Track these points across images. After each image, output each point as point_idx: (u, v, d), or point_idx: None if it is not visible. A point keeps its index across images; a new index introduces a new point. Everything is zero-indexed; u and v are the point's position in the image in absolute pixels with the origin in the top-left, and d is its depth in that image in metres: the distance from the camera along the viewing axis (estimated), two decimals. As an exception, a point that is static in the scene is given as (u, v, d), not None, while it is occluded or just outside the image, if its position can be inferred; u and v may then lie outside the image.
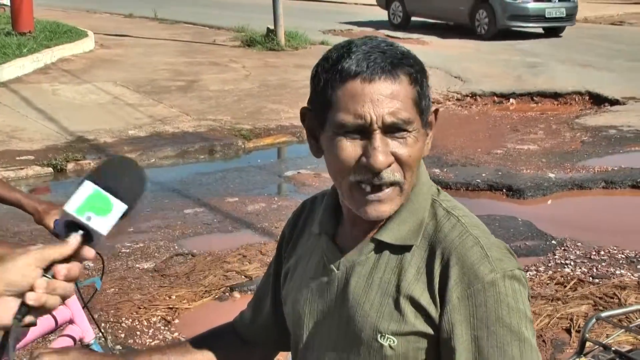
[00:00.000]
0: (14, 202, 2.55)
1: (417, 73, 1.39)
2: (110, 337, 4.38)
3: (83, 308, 2.55)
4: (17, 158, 8.09)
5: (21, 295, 1.14)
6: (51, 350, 1.53)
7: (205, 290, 5.01)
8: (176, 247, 5.80)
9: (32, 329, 2.31)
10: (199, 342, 1.69)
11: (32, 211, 2.49)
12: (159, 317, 4.68)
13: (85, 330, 2.51)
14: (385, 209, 1.41)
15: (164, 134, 9.06)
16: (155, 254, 5.68)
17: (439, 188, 1.51)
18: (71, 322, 2.51)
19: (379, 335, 1.39)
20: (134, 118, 9.74)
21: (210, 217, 6.51)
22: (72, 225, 1.20)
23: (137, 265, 5.46)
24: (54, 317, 2.42)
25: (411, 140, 1.38)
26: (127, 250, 5.73)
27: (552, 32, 17.13)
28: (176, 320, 4.65)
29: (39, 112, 9.75)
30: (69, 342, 2.50)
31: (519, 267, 1.40)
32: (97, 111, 10.07)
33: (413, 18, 18.77)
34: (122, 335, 4.47)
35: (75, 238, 1.19)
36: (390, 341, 1.39)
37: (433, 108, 1.46)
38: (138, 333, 4.50)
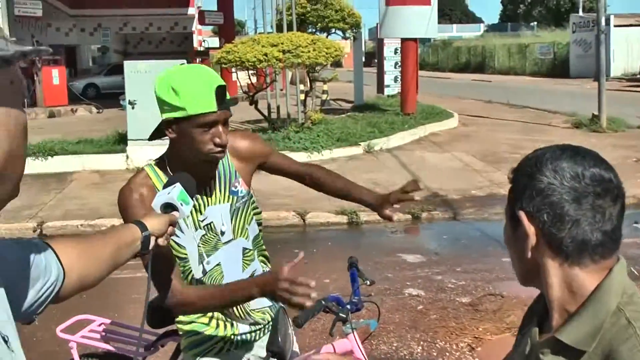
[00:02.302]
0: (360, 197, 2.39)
1: None
2: (425, 354, 4.29)
3: (362, 343, 2.50)
4: (389, 205, 8.40)
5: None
6: (339, 355, 1.60)
7: (507, 327, 4.69)
8: (490, 288, 5.52)
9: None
10: None
11: (372, 201, 2.34)
12: (466, 343, 4.48)
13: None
14: None
15: (498, 195, 8.73)
16: (473, 291, 5.47)
17: (633, 295, 1.10)
18: (351, 352, 2.48)
19: None
20: (477, 181, 9.57)
21: (521, 266, 6.10)
22: (169, 206, 1.63)
23: (457, 299, 5.30)
24: (334, 347, 2.43)
25: None
26: (452, 286, 5.60)
27: None
28: (478, 348, 4.42)
29: (408, 172, 10.06)
30: None
31: None
32: (450, 174, 10.09)
33: None
34: (434, 354, 4.35)
35: (175, 214, 1.63)
36: None
37: None
38: (447, 354, 4.35)
